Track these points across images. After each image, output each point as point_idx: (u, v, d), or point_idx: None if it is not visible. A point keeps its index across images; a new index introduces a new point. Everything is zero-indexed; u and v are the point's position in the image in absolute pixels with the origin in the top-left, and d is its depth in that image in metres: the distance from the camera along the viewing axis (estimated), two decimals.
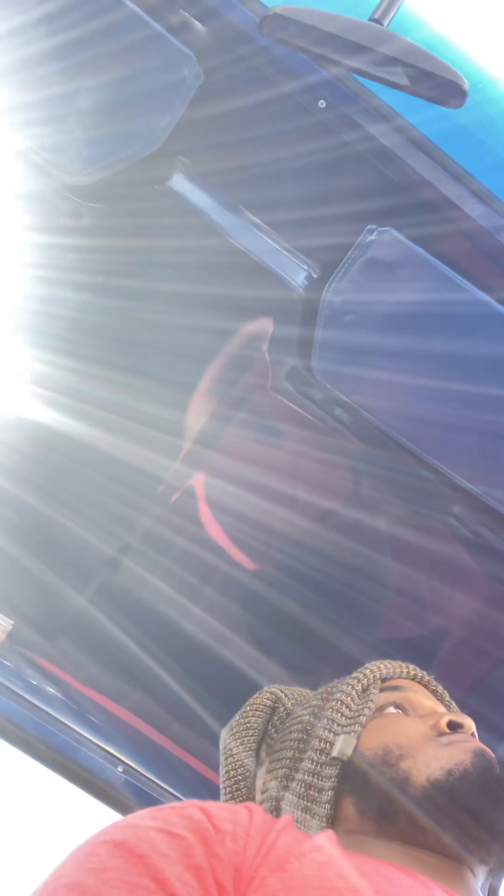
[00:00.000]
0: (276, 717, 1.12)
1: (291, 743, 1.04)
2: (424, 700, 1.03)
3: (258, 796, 1.05)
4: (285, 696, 1.14)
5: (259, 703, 1.13)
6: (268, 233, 1.24)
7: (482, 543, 1.41)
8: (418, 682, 1.08)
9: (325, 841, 0.79)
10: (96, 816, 1.54)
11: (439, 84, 0.91)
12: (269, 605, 1.44)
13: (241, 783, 1.07)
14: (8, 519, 1.40)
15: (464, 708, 1.10)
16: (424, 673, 1.11)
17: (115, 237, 1.29)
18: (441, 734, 0.93)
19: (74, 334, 1.33)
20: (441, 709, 1.03)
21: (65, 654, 1.45)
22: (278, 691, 1.14)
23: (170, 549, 1.44)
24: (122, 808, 1.45)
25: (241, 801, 1.07)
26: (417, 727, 0.95)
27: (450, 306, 1.20)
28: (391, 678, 1.06)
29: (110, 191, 1.19)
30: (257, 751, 1.09)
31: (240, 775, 1.08)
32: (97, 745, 1.44)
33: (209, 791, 1.48)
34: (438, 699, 1.09)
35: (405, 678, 1.08)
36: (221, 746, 1.13)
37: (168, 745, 1.49)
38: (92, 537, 1.41)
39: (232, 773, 1.09)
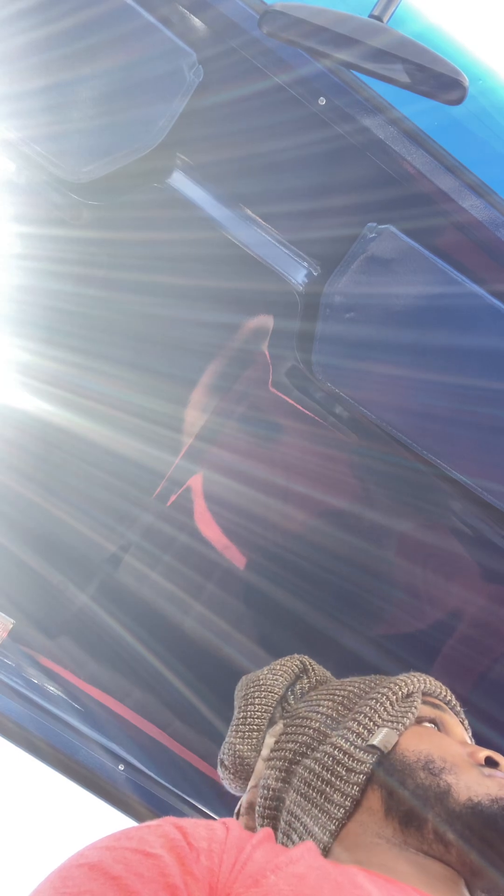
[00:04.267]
0: (297, 686, 1.12)
1: (319, 716, 1.03)
2: (457, 727, 1.03)
3: (265, 751, 1.06)
4: (313, 669, 1.15)
5: (289, 666, 1.14)
6: (268, 228, 1.24)
7: (481, 539, 1.42)
8: (450, 708, 1.09)
9: (303, 853, 0.78)
10: (98, 815, 1.54)
11: (440, 81, 0.91)
12: (271, 601, 1.44)
13: (254, 733, 1.08)
14: (9, 516, 1.40)
15: (461, 702, 1.10)
16: (458, 702, 1.11)
17: (117, 234, 1.29)
18: (480, 765, 0.93)
19: (74, 329, 1.33)
20: (469, 740, 1.04)
21: (66, 652, 1.45)
22: (308, 662, 1.15)
23: (171, 546, 1.44)
24: (124, 806, 1.45)
25: (249, 749, 1.08)
26: (458, 749, 0.95)
27: (449, 303, 1.20)
28: (431, 694, 1.07)
29: (110, 188, 1.19)
30: (273, 708, 1.10)
31: (254, 726, 1.08)
32: (98, 744, 1.44)
33: (211, 788, 1.48)
34: (465, 730, 1.10)
35: (441, 700, 1.08)
36: (241, 692, 1.13)
37: (169, 742, 1.49)
38: (93, 534, 1.41)
39: (247, 719, 1.09)
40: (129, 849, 0.71)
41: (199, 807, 1.47)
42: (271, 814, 1.00)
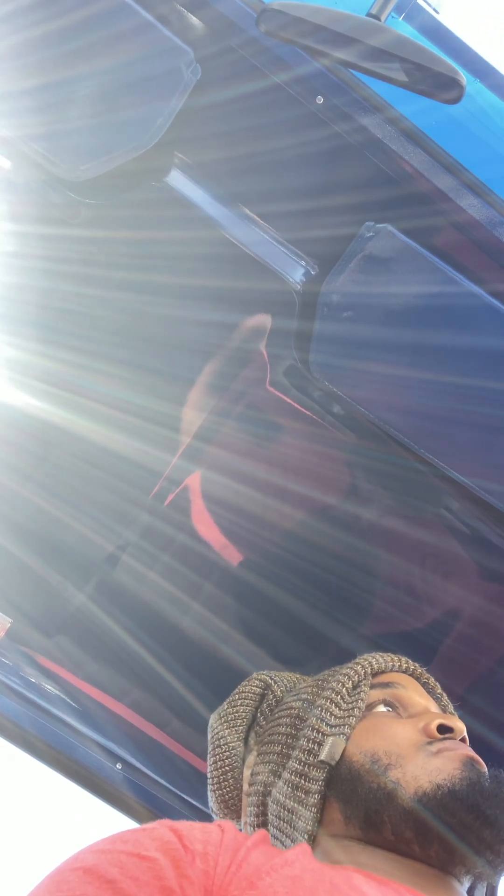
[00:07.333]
0: (265, 705, 1.11)
1: (280, 737, 1.03)
2: (415, 696, 1.02)
3: (245, 786, 1.06)
4: (275, 682, 1.13)
5: (248, 691, 1.13)
6: (266, 227, 1.24)
7: (479, 538, 1.42)
8: (409, 675, 1.08)
9: (298, 855, 0.78)
10: (96, 814, 1.54)
11: (438, 80, 0.91)
12: (269, 600, 1.44)
13: (229, 774, 1.08)
14: (7, 515, 1.40)
15: (458, 701, 1.10)
16: (416, 665, 1.10)
17: (115, 232, 1.29)
18: (431, 740, 0.92)
19: (72, 328, 1.33)
20: (432, 706, 1.03)
21: (63, 651, 1.45)
22: (268, 678, 1.14)
23: (169, 546, 1.44)
24: (122, 805, 1.45)
25: (228, 791, 1.08)
26: (407, 733, 0.94)
27: (447, 302, 1.20)
28: (383, 672, 1.06)
29: (108, 186, 1.19)
30: (245, 739, 1.09)
31: (227, 766, 1.08)
32: (96, 743, 1.44)
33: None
34: (429, 692, 1.09)
35: (397, 671, 1.07)
36: (210, 734, 1.13)
37: (167, 741, 1.49)
38: (91, 534, 1.41)
39: (220, 763, 1.09)
40: (124, 852, 0.71)
41: (198, 805, 1.47)
42: None
